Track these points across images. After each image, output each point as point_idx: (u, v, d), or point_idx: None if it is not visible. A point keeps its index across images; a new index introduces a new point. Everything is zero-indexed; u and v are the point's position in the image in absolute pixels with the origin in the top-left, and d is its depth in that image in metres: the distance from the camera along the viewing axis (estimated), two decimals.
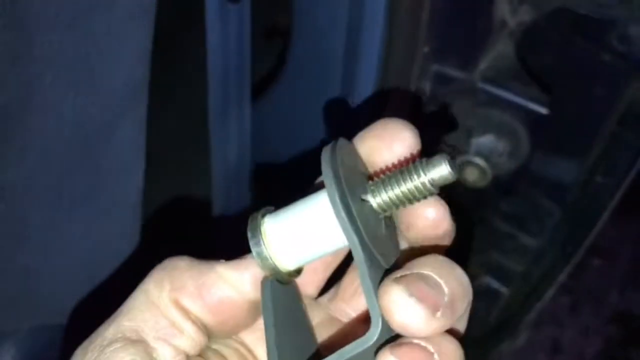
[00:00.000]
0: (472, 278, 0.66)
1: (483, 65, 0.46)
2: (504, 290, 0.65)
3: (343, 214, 0.25)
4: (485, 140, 0.45)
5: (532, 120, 0.45)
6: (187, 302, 0.29)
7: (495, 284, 0.64)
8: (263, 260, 0.27)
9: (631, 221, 1.68)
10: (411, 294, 0.24)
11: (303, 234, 0.27)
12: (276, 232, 0.28)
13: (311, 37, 0.45)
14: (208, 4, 0.39)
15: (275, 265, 0.28)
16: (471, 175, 0.45)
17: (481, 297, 0.66)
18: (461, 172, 0.45)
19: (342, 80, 0.44)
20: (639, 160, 0.46)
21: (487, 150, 0.45)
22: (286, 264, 0.28)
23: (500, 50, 0.47)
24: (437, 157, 0.26)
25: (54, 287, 0.42)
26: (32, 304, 0.40)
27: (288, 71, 0.48)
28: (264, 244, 0.27)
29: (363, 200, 0.27)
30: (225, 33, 0.42)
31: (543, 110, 0.44)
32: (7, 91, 0.33)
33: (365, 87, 0.43)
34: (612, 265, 1.62)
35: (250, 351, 0.32)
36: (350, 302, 0.33)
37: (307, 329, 0.31)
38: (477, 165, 0.44)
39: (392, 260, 0.28)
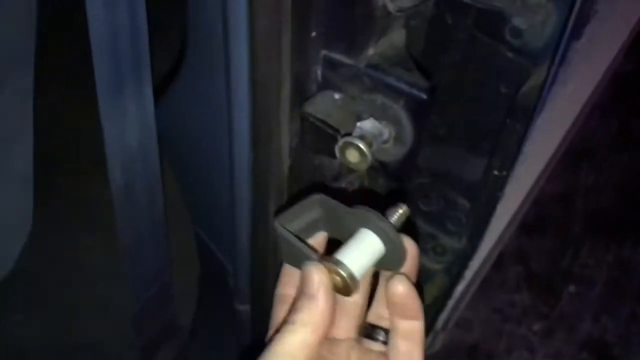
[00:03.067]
0: None
1: (371, 51, 0.47)
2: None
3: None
4: (369, 125, 0.46)
5: (415, 108, 0.46)
6: None
7: None
8: (353, 280, 0.39)
9: (607, 248, 1.67)
10: None
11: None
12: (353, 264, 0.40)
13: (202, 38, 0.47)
14: None
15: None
16: (352, 157, 0.46)
17: None
18: (343, 154, 0.46)
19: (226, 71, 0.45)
20: (521, 151, 0.47)
21: (371, 135, 0.46)
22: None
23: (390, 38, 0.49)
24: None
25: None
26: None
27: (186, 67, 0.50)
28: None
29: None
30: (112, 11, 0.43)
31: (424, 96, 0.45)
32: None
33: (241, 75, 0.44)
34: (586, 292, 1.61)
35: None
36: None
37: None
38: (356, 147, 0.45)
39: None
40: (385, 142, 0.47)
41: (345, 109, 0.48)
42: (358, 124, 0.47)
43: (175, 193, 0.62)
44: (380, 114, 0.47)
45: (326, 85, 0.48)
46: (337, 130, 0.46)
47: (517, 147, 0.47)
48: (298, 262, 0.41)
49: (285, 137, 0.47)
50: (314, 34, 0.46)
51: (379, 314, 0.44)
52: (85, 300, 0.65)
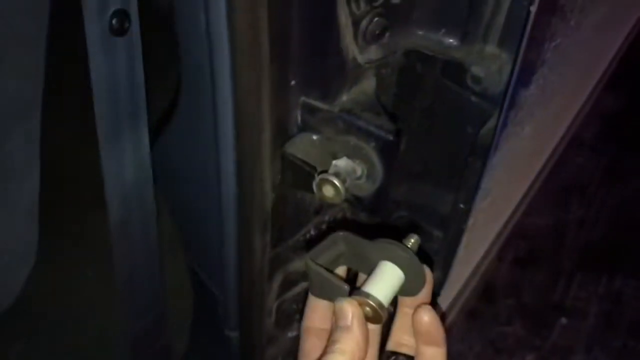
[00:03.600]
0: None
1: (345, 97, 0.53)
2: None
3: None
4: (343, 163, 0.51)
5: (384, 148, 0.51)
6: None
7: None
8: (382, 309, 0.44)
9: (598, 281, 1.70)
10: None
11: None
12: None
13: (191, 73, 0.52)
14: (89, 38, 0.46)
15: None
16: (328, 192, 0.50)
17: None
18: (320, 189, 0.51)
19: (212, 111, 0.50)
20: (480, 186, 0.52)
21: (345, 172, 0.51)
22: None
23: (362, 85, 0.54)
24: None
25: None
26: None
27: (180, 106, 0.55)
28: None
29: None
30: (112, 65, 0.49)
31: (391, 137, 0.50)
32: None
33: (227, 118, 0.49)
34: (578, 324, 1.63)
35: None
36: None
37: None
38: (331, 183, 0.50)
39: None
40: (358, 178, 0.52)
41: (323, 149, 0.53)
42: (333, 162, 0.51)
43: (170, 227, 0.66)
44: (353, 154, 0.52)
45: (305, 127, 0.53)
46: (314, 168, 0.51)
47: (478, 183, 0.52)
48: (329, 294, 0.46)
49: (268, 175, 0.52)
50: (293, 82, 0.51)
51: (398, 341, 0.48)
52: (85, 331, 0.69)
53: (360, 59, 0.50)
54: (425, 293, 0.47)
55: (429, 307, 0.46)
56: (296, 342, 0.74)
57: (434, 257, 0.65)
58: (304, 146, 0.53)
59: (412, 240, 0.46)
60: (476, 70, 0.51)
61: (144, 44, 0.51)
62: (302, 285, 0.70)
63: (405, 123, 0.58)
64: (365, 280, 0.46)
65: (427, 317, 0.45)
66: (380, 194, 0.53)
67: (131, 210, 0.57)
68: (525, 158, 0.67)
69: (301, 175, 0.52)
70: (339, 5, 0.45)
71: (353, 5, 0.46)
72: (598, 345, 1.58)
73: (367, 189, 0.53)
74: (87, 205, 0.57)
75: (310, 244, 0.66)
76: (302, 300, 0.71)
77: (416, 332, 0.46)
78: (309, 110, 0.53)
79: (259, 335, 0.65)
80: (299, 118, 0.53)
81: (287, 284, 0.67)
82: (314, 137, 0.53)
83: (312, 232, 0.66)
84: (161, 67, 0.54)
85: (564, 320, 1.65)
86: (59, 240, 0.58)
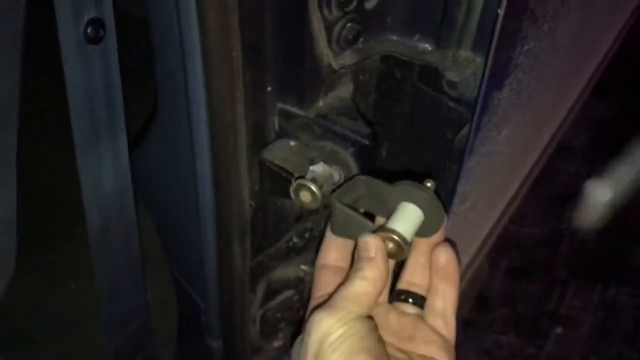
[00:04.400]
0: None
1: (321, 103, 0.53)
2: None
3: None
4: (320, 169, 0.51)
5: (360, 153, 0.51)
6: None
7: None
8: (406, 244, 0.45)
9: (592, 290, 1.69)
10: None
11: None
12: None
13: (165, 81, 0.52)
14: (63, 46, 0.46)
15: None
16: (305, 198, 0.50)
17: None
18: (297, 195, 0.51)
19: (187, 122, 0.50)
20: (456, 190, 0.52)
21: (322, 178, 0.51)
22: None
23: (339, 91, 0.54)
24: None
25: None
26: None
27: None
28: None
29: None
30: (87, 74, 0.49)
31: (367, 142, 0.50)
32: None
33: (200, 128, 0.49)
34: (573, 334, 1.62)
35: None
36: None
37: None
38: (308, 188, 0.50)
39: None
40: (335, 183, 0.52)
41: (300, 155, 0.53)
42: (310, 168, 0.52)
43: (152, 236, 0.66)
44: (330, 159, 0.52)
45: (282, 133, 0.53)
46: (291, 174, 0.51)
47: (454, 186, 0.52)
48: (352, 232, 0.48)
49: (245, 181, 0.52)
50: (269, 88, 0.51)
51: (409, 281, 0.50)
52: (67, 341, 0.69)
53: (335, 64, 0.50)
54: (439, 235, 0.49)
55: (448, 245, 0.49)
56: (282, 351, 0.74)
57: None
58: (282, 152, 0.53)
59: (429, 184, 0.48)
60: (451, 75, 0.52)
61: (120, 52, 0.51)
62: (287, 294, 0.69)
63: (385, 128, 0.58)
64: (388, 219, 0.47)
65: (445, 255, 0.48)
66: None
67: (110, 219, 0.57)
68: (507, 163, 0.68)
69: (279, 182, 0.52)
70: (311, 9, 0.45)
71: (325, 11, 0.46)
72: (593, 354, 1.57)
73: None
74: (66, 214, 0.57)
75: (292, 252, 0.66)
76: (287, 309, 0.71)
77: (433, 268, 0.49)
78: (286, 116, 0.53)
79: (242, 345, 0.65)
80: (276, 124, 0.54)
81: (271, 293, 0.67)
82: (292, 143, 0.53)
83: (295, 240, 0.66)
84: (137, 75, 0.55)
85: (559, 329, 1.64)
86: (38, 250, 0.58)
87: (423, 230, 0.48)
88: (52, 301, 0.64)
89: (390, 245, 0.45)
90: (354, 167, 0.51)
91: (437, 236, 0.49)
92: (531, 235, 1.77)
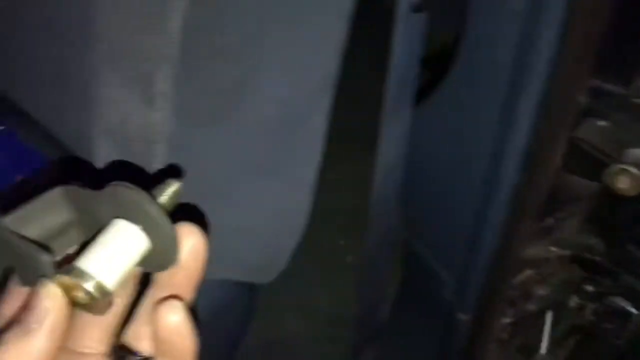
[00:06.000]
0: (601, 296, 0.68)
1: None
2: (634, 312, 0.66)
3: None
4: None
5: None
6: None
7: (626, 305, 0.65)
8: (103, 293, 0.28)
9: None
10: None
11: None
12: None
13: (479, 50, 0.51)
14: (399, 12, 0.46)
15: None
16: (623, 184, 0.48)
17: (611, 319, 0.67)
18: (614, 180, 0.48)
19: (507, 92, 0.49)
20: None
21: None
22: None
23: None
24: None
25: (239, 244, 0.49)
26: (222, 258, 0.47)
27: (450, 81, 0.54)
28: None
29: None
30: (409, 40, 0.48)
31: None
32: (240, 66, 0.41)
33: (529, 100, 0.47)
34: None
35: None
36: None
37: None
38: (630, 173, 0.47)
39: None
40: None
41: (610, 136, 0.50)
42: (628, 151, 0.49)
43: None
44: None
45: (592, 112, 0.50)
46: (609, 156, 0.48)
47: None
48: (27, 274, 0.29)
49: (554, 160, 0.50)
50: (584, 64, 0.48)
51: (138, 333, 0.32)
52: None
53: None
54: (188, 271, 0.30)
55: (179, 304, 0.30)
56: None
57: None
58: (592, 132, 0.50)
59: (171, 188, 0.30)
60: None
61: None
62: (527, 273, 0.68)
63: None
64: (85, 247, 0.29)
65: (175, 318, 0.30)
66: None
67: (390, 188, 0.58)
68: None
69: (588, 163, 0.50)
70: None
71: None
72: None
73: None
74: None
75: (544, 231, 0.64)
76: (523, 288, 0.69)
77: (154, 335, 0.30)
78: (598, 94, 0.50)
79: (490, 320, 0.64)
80: (583, 102, 0.51)
81: (516, 271, 0.66)
82: (603, 123, 0.50)
83: (550, 220, 0.63)
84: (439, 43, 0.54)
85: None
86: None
87: (158, 261, 0.30)
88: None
89: (80, 294, 0.27)
90: None
91: (185, 274, 0.30)
92: None
